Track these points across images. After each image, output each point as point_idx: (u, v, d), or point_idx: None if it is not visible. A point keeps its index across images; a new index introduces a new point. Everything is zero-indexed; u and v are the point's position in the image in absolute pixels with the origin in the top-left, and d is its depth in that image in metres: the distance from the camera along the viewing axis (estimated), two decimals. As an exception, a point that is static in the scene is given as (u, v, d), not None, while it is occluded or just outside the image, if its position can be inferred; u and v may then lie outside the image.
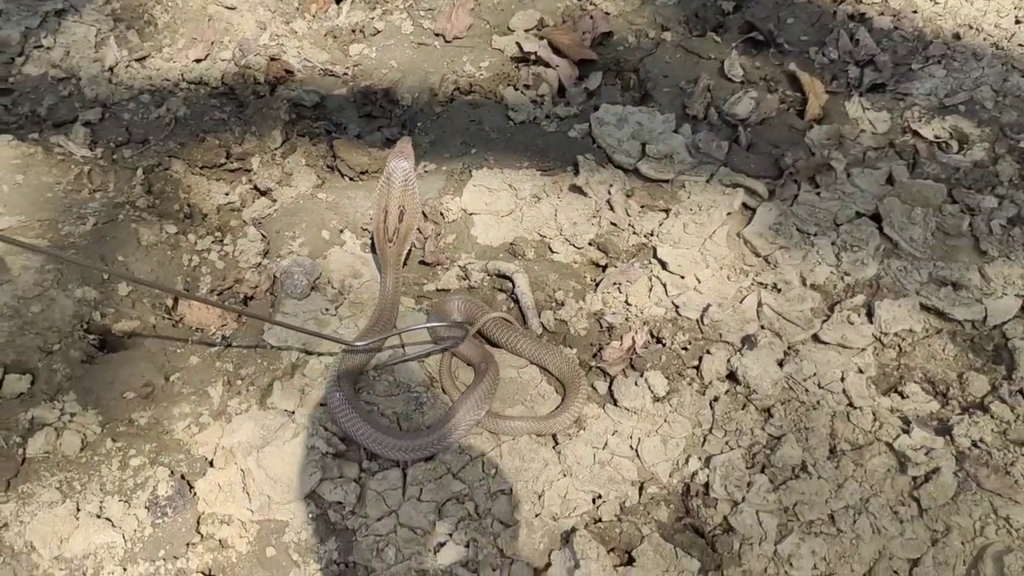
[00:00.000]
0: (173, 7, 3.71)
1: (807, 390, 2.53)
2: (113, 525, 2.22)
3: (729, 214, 3.00)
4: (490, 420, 2.43)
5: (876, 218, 2.95)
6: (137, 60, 3.52)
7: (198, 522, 2.26)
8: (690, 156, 3.18)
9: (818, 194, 3.05)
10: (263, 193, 3.15)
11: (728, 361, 2.60)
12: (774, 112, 3.37)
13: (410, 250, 2.86)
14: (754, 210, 3.02)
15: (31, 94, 3.36)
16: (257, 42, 3.54)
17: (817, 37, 3.67)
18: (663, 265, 2.86)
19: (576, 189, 3.07)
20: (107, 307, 2.69)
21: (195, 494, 2.29)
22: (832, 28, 3.67)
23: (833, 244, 2.90)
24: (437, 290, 2.85)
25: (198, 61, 3.52)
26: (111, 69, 3.46)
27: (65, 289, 2.66)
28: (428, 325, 2.65)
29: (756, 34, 3.66)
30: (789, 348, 2.63)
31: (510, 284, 2.81)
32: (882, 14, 3.68)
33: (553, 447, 2.42)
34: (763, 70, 3.56)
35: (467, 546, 2.22)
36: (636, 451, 2.43)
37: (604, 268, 2.89)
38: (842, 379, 2.55)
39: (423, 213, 2.98)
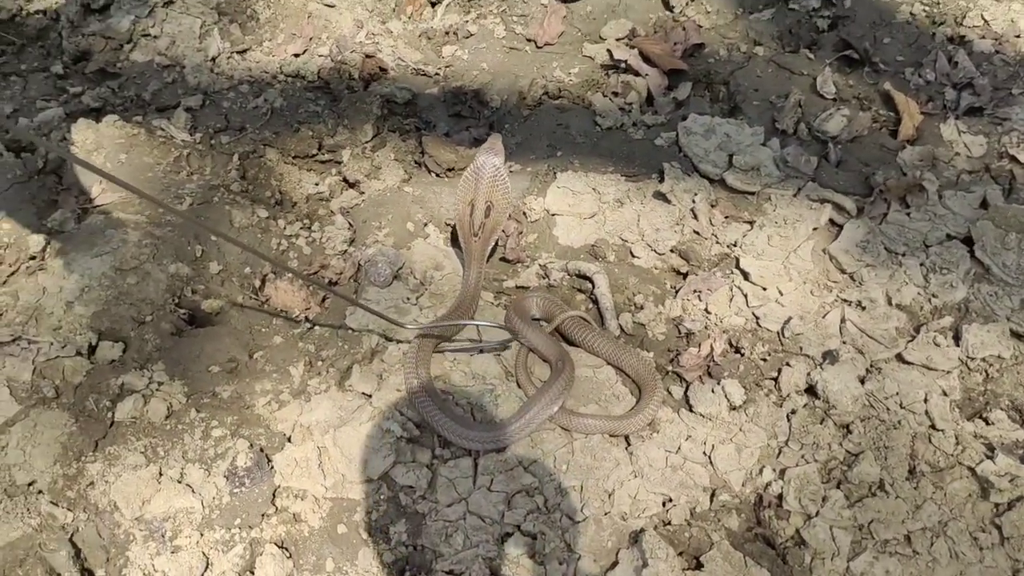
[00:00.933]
0: (275, 3, 3.83)
1: (888, 409, 2.48)
2: (193, 491, 2.28)
3: (815, 229, 2.96)
4: (564, 416, 2.44)
5: (968, 242, 2.88)
6: (238, 52, 3.64)
7: (274, 495, 2.31)
8: (777, 170, 3.15)
9: (908, 214, 3.00)
10: (351, 185, 3.22)
11: (808, 375, 2.56)
12: (866, 131, 3.33)
13: (496, 246, 2.89)
14: (841, 227, 2.98)
15: (137, 79, 3.50)
16: (354, 40, 3.63)
17: (914, 58, 3.61)
18: (745, 276, 2.83)
19: (660, 196, 3.07)
20: (198, 284, 2.78)
21: (272, 467, 2.35)
22: (930, 50, 3.60)
23: (922, 265, 2.84)
24: (516, 287, 2.88)
25: (296, 55, 3.62)
26: (214, 59, 3.58)
27: (160, 264, 2.75)
28: (476, 323, 2.67)
29: (851, 52, 3.62)
30: (871, 366, 2.58)
31: (590, 285, 2.82)
32: (983, 37, 3.61)
33: (625, 448, 2.42)
34: (856, 88, 3.51)
35: (535, 538, 2.23)
36: (709, 457, 2.41)
37: (685, 276, 2.88)
38: (925, 400, 2.49)
39: (507, 212, 3.01)
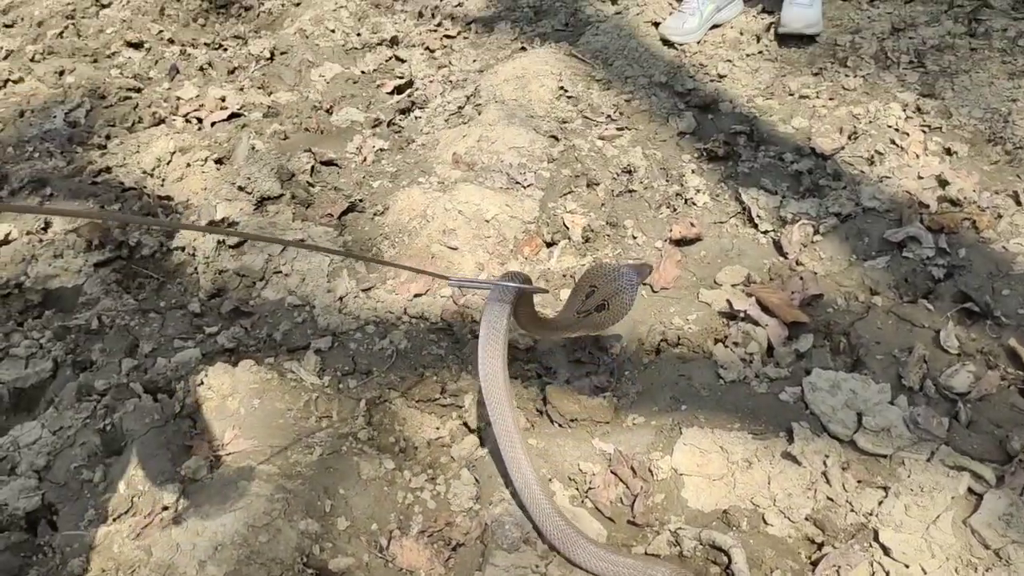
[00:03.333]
0: (400, 243, 4.00)
1: None
2: None
3: (953, 498, 2.86)
4: None
5: (1121, 519, 2.75)
6: (364, 290, 3.78)
7: None
8: (908, 431, 3.08)
9: (1050, 485, 2.88)
10: (472, 431, 3.23)
11: (967, 672, 2.40)
12: (994, 389, 3.26)
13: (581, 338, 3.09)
14: (980, 496, 2.87)
15: (268, 318, 3.64)
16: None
17: (1036, 311, 3.58)
18: (885, 551, 2.72)
19: (789, 457, 3.01)
20: (326, 541, 2.77)
21: None
22: (1052, 304, 3.58)
23: (1072, 544, 2.70)
24: (646, 553, 2.80)
25: (418, 296, 3.74)
26: (341, 299, 3.72)
27: (291, 520, 2.76)
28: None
29: (971, 304, 3.60)
30: (1035, 664, 2.42)
31: (725, 558, 2.74)
32: (1108, 292, 3.57)
33: None
34: (979, 342, 3.47)
35: None
36: None
37: (820, 546, 2.78)
38: None
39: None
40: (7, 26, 6.02)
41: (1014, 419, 3.16)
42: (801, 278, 3.68)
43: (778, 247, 3.96)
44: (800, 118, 4.60)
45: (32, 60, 5.58)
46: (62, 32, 5.82)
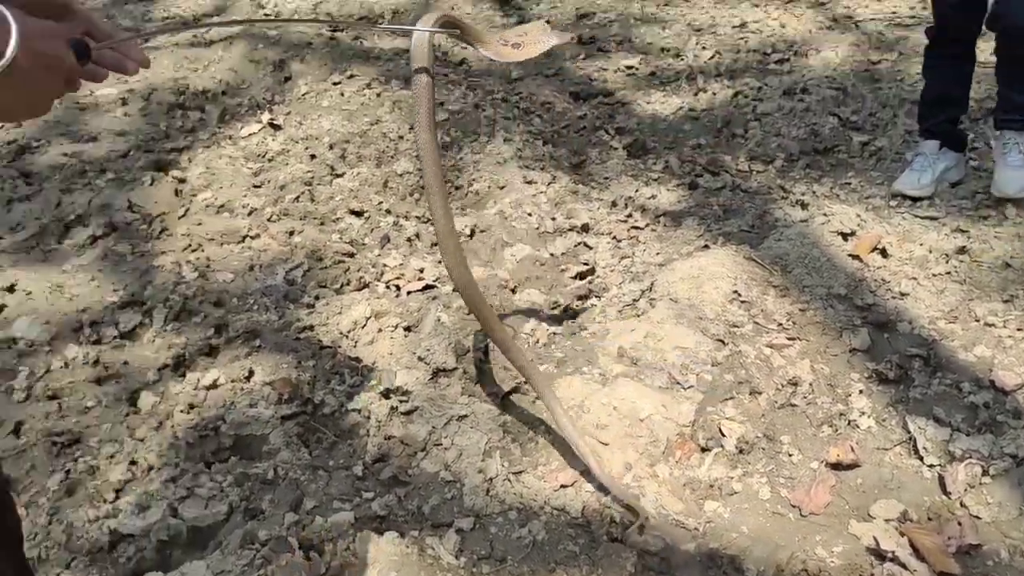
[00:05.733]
0: (555, 431, 4.17)
1: None
2: None
3: None
4: None
5: None
6: (514, 474, 3.95)
7: None
8: None
9: None
10: (594, 635, 3.27)
11: None
12: None
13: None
14: None
15: (421, 490, 3.87)
16: (621, 480, 3.83)
17: None
18: None
19: None
20: None
21: None
22: None
23: None
24: None
25: (564, 486, 3.86)
26: (491, 480, 3.91)
27: None
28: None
29: None
30: None
31: None
32: None
33: None
34: None
35: None
36: None
37: None
38: None
39: None
40: (256, 186, 6.89)
41: None
42: (960, 523, 3.50)
43: (942, 484, 3.79)
44: (983, 347, 4.44)
45: (269, 220, 6.34)
46: (299, 196, 6.59)
